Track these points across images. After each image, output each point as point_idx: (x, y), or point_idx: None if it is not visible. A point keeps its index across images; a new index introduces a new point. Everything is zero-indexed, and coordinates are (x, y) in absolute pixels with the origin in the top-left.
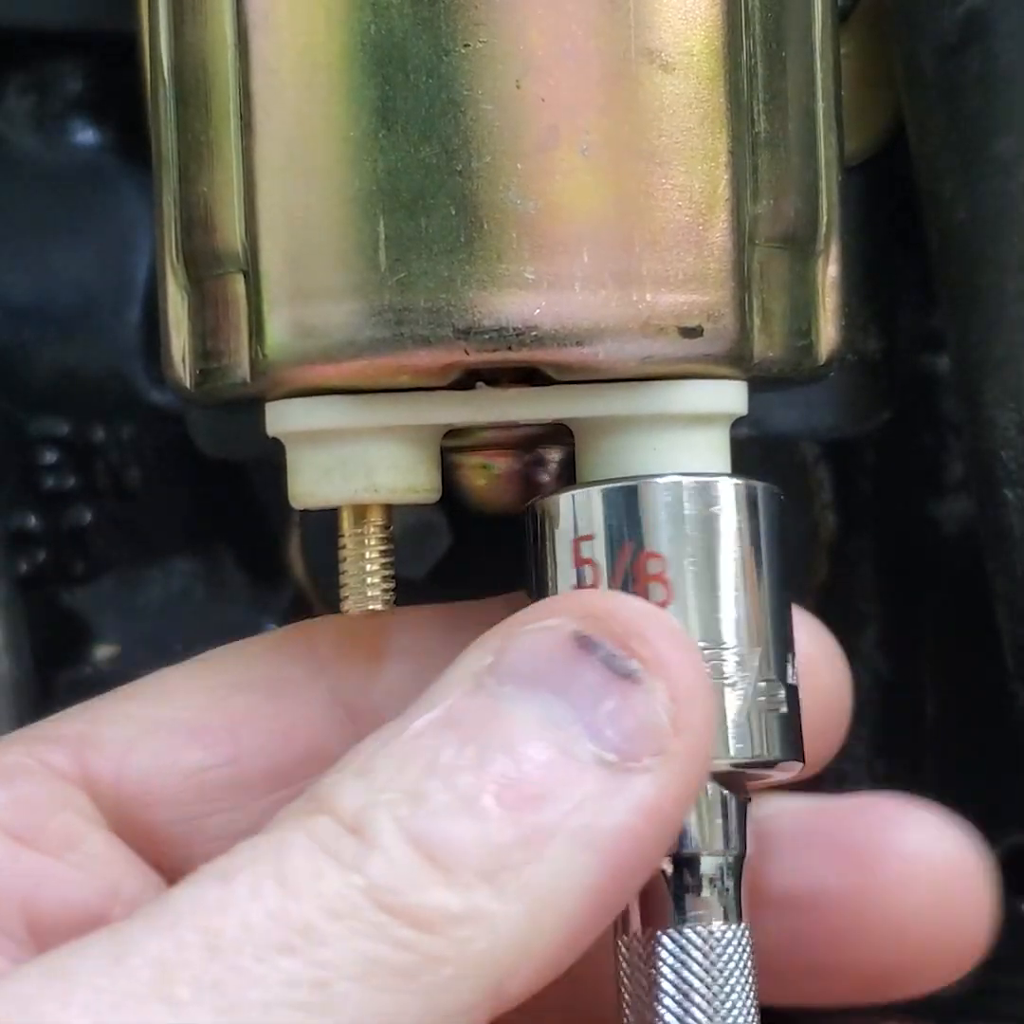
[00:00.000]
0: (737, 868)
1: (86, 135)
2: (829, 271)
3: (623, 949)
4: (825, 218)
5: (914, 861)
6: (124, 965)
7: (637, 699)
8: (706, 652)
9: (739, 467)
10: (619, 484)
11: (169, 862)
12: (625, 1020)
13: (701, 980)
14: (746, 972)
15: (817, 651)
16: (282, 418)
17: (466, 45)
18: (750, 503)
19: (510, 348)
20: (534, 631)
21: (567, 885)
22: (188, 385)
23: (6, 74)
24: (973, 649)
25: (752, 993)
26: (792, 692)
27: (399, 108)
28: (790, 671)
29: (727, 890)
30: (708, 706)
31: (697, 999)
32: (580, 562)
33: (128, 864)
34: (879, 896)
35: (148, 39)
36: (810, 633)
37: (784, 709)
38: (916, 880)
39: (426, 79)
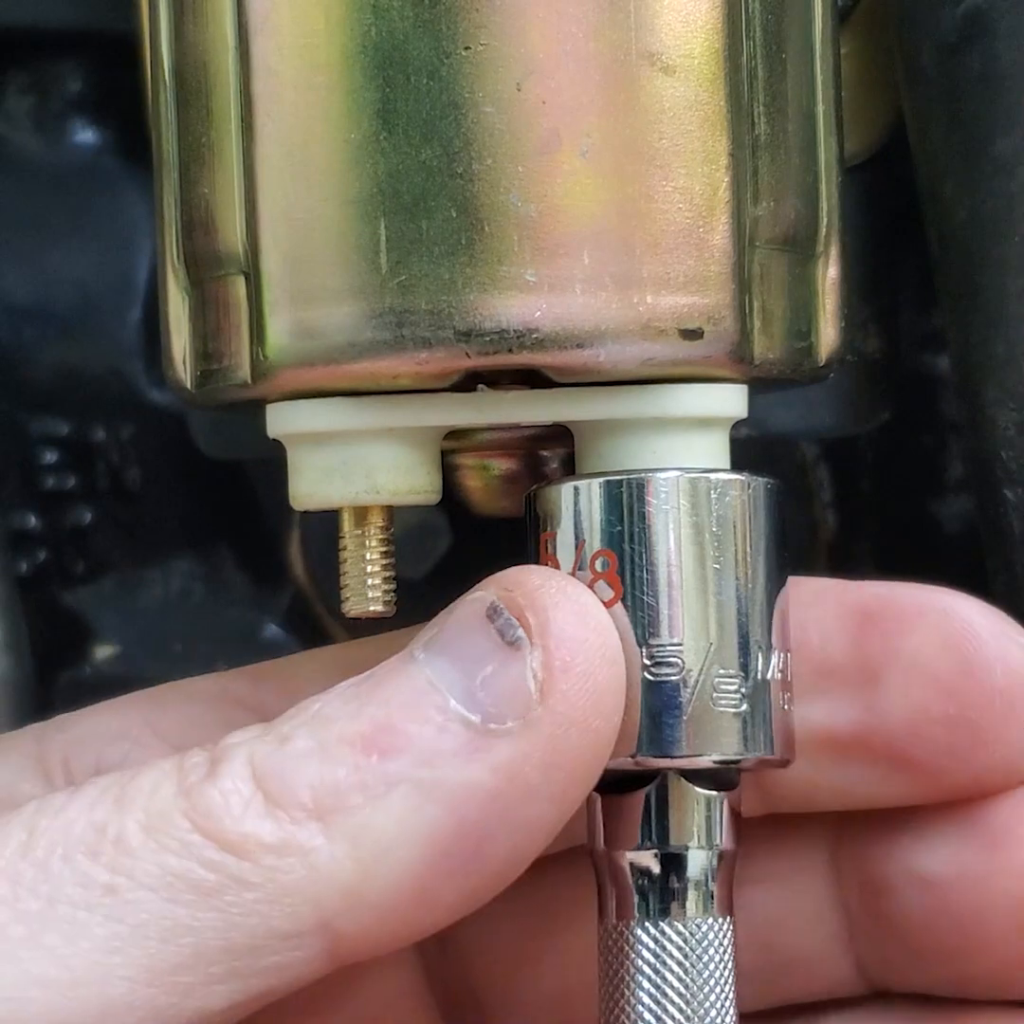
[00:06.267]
0: (723, 863)
1: (86, 135)
2: (829, 273)
3: (603, 939)
4: (825, 220)
5: None
6: None
7: (513, 665)
8: (659, 646)
9: (739, 466)
10: (574, 481)
11: None
12: (603, 1010)
13: (676, 976)
14: (725, 968)
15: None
16: (283, 420)
17: (467, 47)
18: (699, 495)
19: (511, 350)
20: (464, 602)
21: (406, 834)
22: (189, 386)
23: (6, 74)
24: None
25: (730, 990)
26: (763, 687)
27: (400, 110)
28: (760, 666)
29: (710, 886)
30: (586, 678)
31: (672, 994)
32: (545, 559)
33: None
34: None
35: (148, 40)
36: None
37: (745, 706)
38: None
39: (427, 81)
